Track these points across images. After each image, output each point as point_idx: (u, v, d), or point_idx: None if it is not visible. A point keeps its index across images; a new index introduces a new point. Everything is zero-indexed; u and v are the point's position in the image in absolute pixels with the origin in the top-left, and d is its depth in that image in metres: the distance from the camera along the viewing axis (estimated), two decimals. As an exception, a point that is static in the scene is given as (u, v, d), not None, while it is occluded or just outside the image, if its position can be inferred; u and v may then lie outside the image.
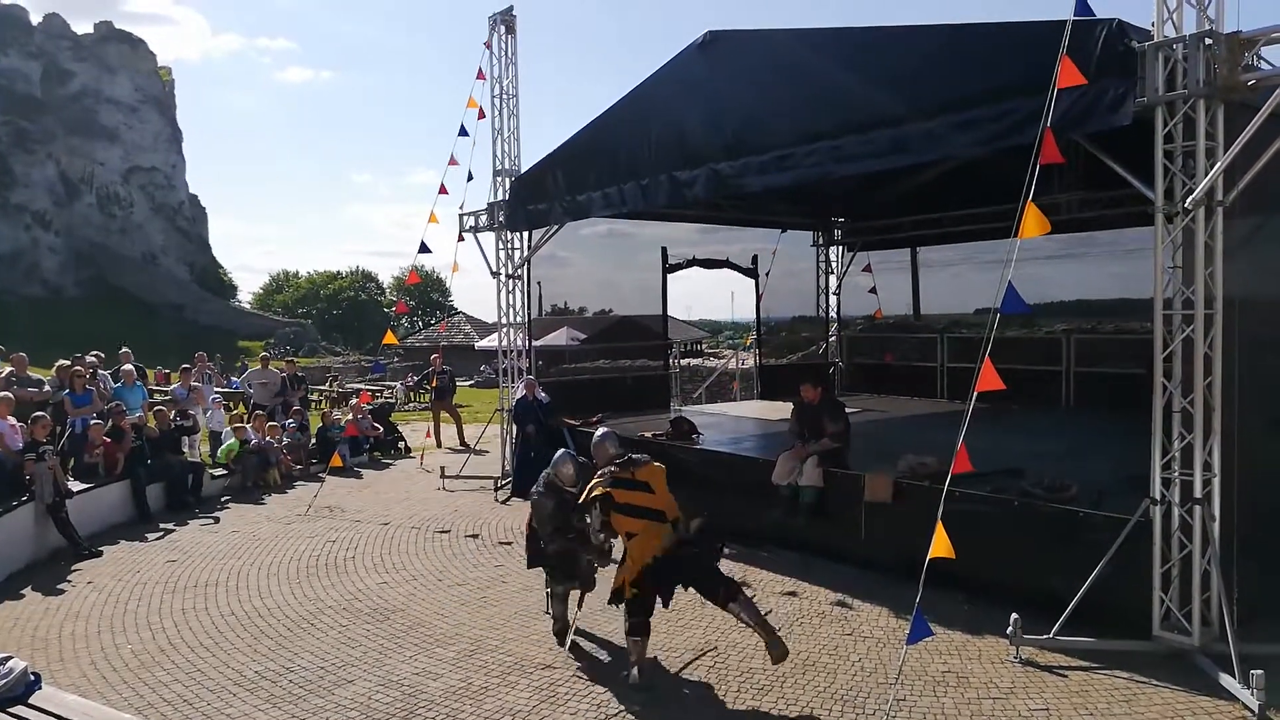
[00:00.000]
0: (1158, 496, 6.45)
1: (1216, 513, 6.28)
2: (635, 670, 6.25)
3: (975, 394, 5.84)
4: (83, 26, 63.44)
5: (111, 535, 10.94)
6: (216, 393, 16.97)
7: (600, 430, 7.27)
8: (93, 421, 12.20)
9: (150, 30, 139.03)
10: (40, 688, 5.01)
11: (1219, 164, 6.03)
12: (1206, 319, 6.23)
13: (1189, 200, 6.15)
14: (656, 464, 6.67)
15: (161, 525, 11.49)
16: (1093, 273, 14.52)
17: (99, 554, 10.07)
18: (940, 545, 5.67)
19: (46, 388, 12.87)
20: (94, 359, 14.48)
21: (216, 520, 11.86)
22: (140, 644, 7.28)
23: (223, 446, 14.14)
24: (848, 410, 9.99)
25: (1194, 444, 6.27)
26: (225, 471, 13.80)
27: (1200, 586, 6.29)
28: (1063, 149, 6.22)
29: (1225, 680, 5.85)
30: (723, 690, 6.14)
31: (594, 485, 6.54)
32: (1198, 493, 6.27)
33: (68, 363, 13.45)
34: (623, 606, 6.39)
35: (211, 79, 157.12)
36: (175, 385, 15.57)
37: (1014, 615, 6.52)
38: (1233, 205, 6.20)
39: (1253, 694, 5.51)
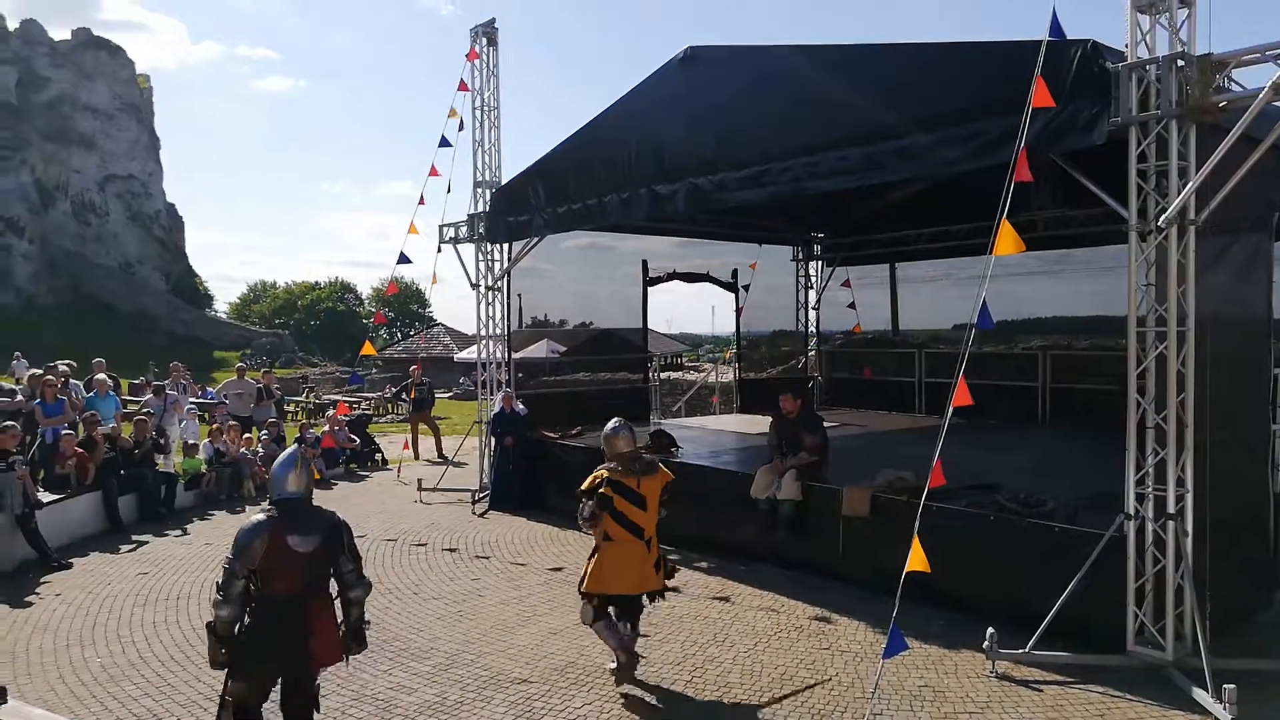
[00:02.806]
0: (1131, 512, 6.51)
1: (1189, 528, 6.35)
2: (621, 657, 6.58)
3: (951, 409, 5.89)
4: (60, 33, 62.84)
5: (82, 547, 10.76)
6: (192, 403, 16.80)
7: (614, 422, 6.76)
8: (64, 432, 12.04)
9: (128, 38, 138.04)
10: (6, 702, 4.91)
11: (1191, 184, 6.13)
12: (1179, 336, 6.32)
13: (1162, 219, 6.24)
14: (663, 473, 6.70)
15: (134, 537, 11.32)
16: (1069, 290, 14.68)
17: (69, 566, 9.90)
18: (916, 559, 5.69)
19: (19, 397, 12.70)
20: (66, 368, 14.30)
21: (189, 532, 11.72)
22: (109, 657, 7.17)
23: (182, 462, 13.87)
24: (826, 425, 10.02)
25: (1167, 460, 6.35)
26: (193, 487, 13.53)
27: (1174, 601, 6.35)
28: (1040, 168, 6.31)
29: (1198, 695, 5.90)
30: (701, 704, 6.11)
31: (599, 476, 6.46)
32: (1171, 508, 6.35)
33: (39, 371, 13.27)
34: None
35: (189, 87, 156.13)
36: (149, 395, 15.42)
37: (990, 630, 6.55)
38: (1205, 225, 6.29)
39: (1225, 708, 5.56)
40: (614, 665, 6.63)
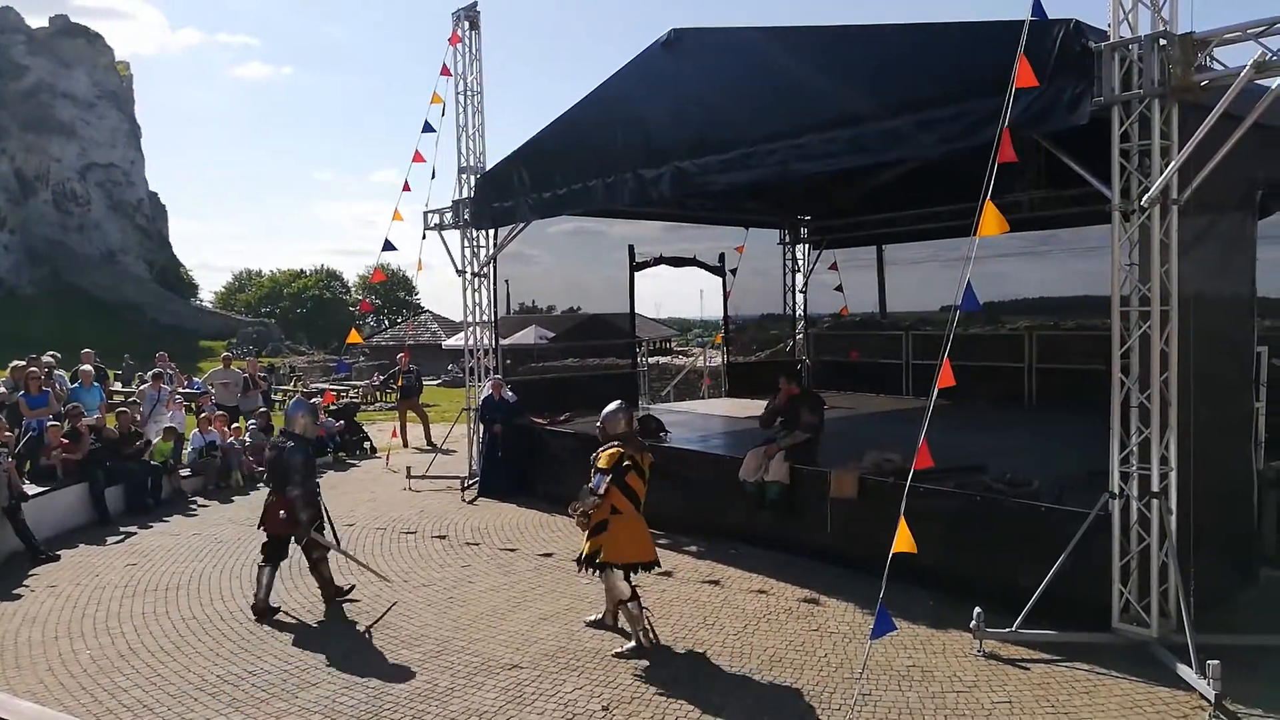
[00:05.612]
0: (1116, 491, 6.56)
1: (1173, 506, 6.40)
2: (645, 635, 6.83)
3: (936, 391, 5.91)
4: (37, 20, 62.13)
5: (70, 539, 10.73)
6: (180, 393, 16.71)
7: (617, 403, 7.21)
8: (50, 423, 11.97)
9: (106, 24, 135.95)
10: (-7, 696, 4.91)
11: (1173, 163, 6.14)
12: (1162, 315, 6.35)
13: (1145, 199, 6.26)
14: (648, 450, 7.20)
15: (121, 528, 11.28)
16: (1055, 270, 14.73)
17: (56, 558, 9.87)
18: (903, 541, 5.72)
19: (1, 389, 12.60)
20: (50, 359, 14.19)
21: (176, 523, 11.66)
22: (99, 649, 7.16)
23: (155, 444, 13.62)
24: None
25: (1151, 438, 6.39)
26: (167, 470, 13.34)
27: (1158, 579, 6.41)
28: (1025, 148, 6.30)
29: (1182, 670, 5.96)
30: (691, 686, 6.15)
31: (616, 453, 6.77)
32: (1155, 487, 6.40)
33: (22, 363, 13.17)
34: (593, 572, 6.98)
35: (170, 74, 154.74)
36: (145, 385, 15.35)
37: (977, 609, 6.59)
38: (1187, 204, 6.31)
39: (1209, 684, 5.62)
40: (632, 646, 6.78)
